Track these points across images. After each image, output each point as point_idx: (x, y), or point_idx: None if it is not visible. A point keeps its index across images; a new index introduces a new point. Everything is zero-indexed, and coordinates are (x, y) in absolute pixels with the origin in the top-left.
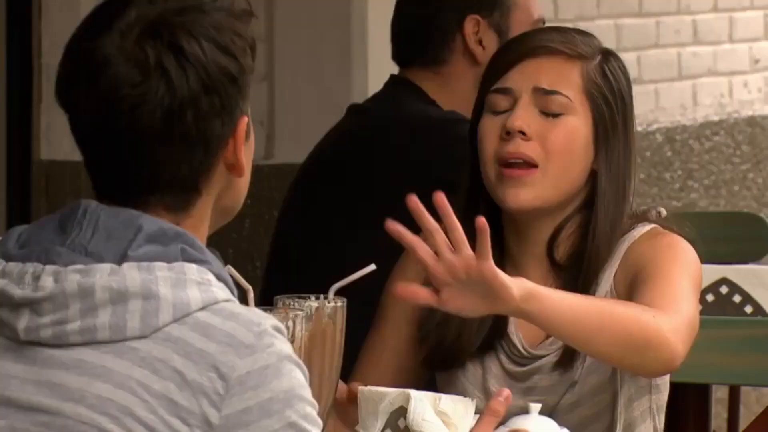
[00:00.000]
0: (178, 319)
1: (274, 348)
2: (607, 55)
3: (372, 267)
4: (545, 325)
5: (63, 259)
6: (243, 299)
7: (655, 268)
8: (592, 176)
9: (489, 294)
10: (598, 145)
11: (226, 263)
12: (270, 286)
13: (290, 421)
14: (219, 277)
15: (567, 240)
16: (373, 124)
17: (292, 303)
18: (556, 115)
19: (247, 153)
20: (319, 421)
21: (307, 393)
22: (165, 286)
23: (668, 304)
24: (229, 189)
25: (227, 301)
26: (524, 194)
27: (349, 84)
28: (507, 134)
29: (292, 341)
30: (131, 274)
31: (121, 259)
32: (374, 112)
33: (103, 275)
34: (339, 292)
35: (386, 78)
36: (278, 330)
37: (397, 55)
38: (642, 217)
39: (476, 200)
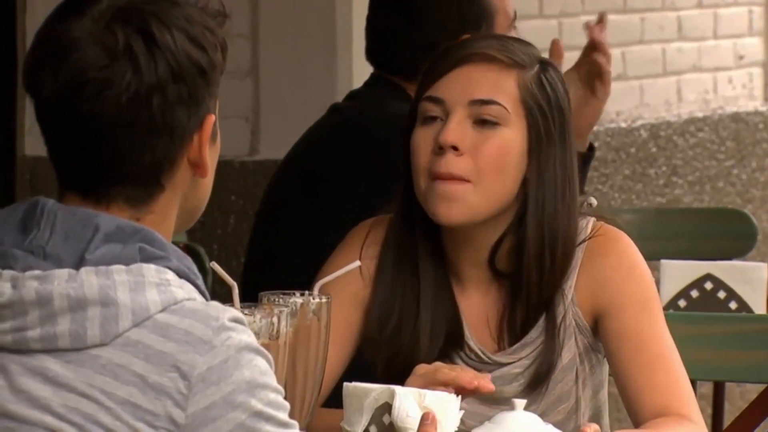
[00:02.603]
0: (137, 323)
1: (232, 340)
2: (545, 65)
3: (357, 263)
4: None
5: (20, 263)
6: (228, 296)
7: (634, 328)
8: (525, 184)
9: None
10: (531, 154)
11: (211, 259)
12: (248, 283)
13: (256, 411)
14: (180, 274)
15: (509, 250)
16: (354, 122)
17: (276, 299)
18: (491, 126)
19: (212, 155)
20: (286, 405)
21: (271, 379)
22: (123, 292)
23: (680, 393)
24: (194, 190)
25: (188, 299)
26: (456, 209)
27: (334, 80)
28: (439, 149)
29: (276, 337)
30: (89, 280)
31: (79, 261)
32: (355, 111)
33: (60, 282)
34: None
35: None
36: (237, 321)
37: (374, 60)
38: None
39: (411, 210)
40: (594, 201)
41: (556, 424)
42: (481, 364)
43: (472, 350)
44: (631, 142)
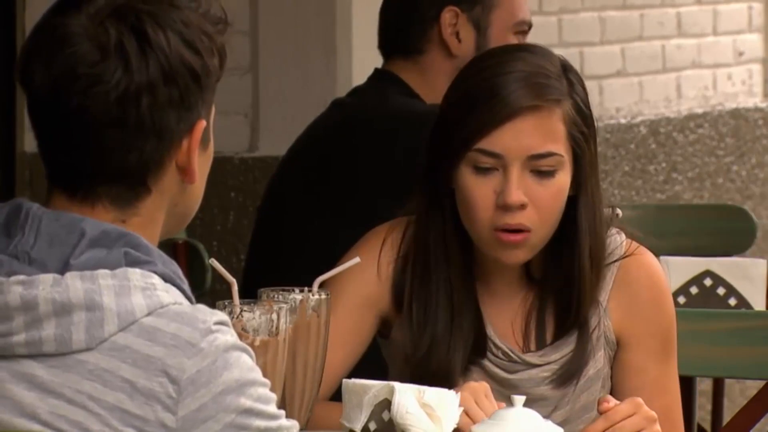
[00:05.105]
0: (123, 328)
1: (218, 341)
2: (568, 74)
3: (357, 260)
4: None
5: (5, 268)
6: (227, 292)
7: (651, 373)
8: (573, 202)
9: None
10: (577, 178)
11: (210, 256)
12: (249, 278)
13: (245, 408)
14: (165, 278)
15: (541, 254)
16: (357, 116)
17: (276, 296)
18: (549, 175)
19: (202, 162)
20: (273, 396)
21: (257, 374)
22: (109, 296)
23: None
24: (182, 195)
25: (174, 303)
26: (521, 254)
27: (334, 76)
28: (504, 206)
29: (276, 334)
30: (74, 284)
31: (64, 266)
32: (357, 105)
33: (45, 287)
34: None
35: (371, 70)
36: (222, 323)
37: (382, 46)
38: (608, 222)
39: (441, 216)
40: (620, 212)
41: None
42: (510, 363)
43: (499, 348)
44: (631, 138)
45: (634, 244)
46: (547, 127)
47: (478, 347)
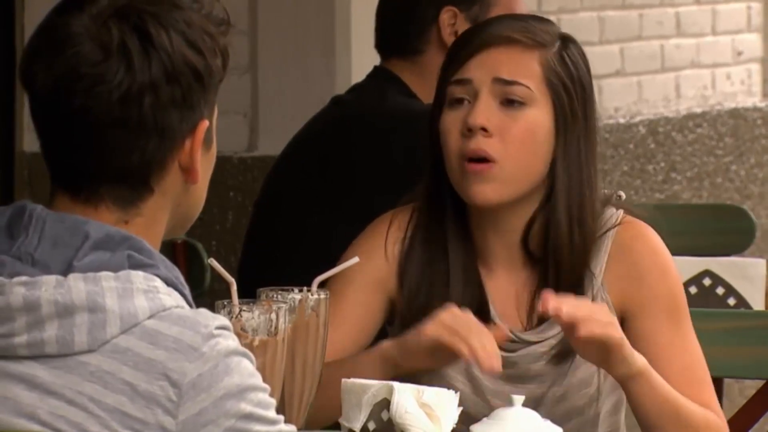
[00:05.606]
0: (125, 330)
1: (220, 346)
2: (566, 41)
3: (356, 260)
4: (640, 403)
5: (8, 269)
6: (226, 292)
7: (665, 336)
8: (554, 164)
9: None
10: (557, 133)
11: (209, 256)
12: (246, 274)
13: (246, 413)
14: (167, 282)
15: (540, 231)
16: (356, 114)
17: (275, 295)
18: (517, 106)
19: (205, 162)
20: (273, 401)
21: (257, 380)
22: (111, 298)
23: (704, 387)
24: (186, 196)
25: (176, 307)
26: (488, 189)
27: (333, 75)
28: (468, 131)
29: (275, 334)
30: (77, 286)
31: (67, 268)
32: (356, 103)
33: (48, 288)
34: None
35: (370, 69)
36: (224, 328)
37: (379, 46)
38: (606, 202)
39: (440, 193)
40: (623, 195)
41: (577, 409)
42: (508, 342)
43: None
44: (630, 138)
45: (631, 218)
46: (519, 60)
47: (480, 319)
